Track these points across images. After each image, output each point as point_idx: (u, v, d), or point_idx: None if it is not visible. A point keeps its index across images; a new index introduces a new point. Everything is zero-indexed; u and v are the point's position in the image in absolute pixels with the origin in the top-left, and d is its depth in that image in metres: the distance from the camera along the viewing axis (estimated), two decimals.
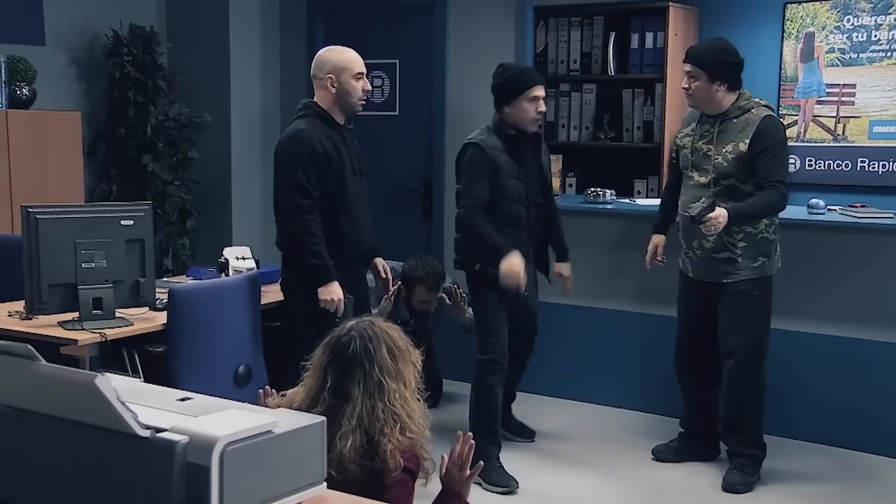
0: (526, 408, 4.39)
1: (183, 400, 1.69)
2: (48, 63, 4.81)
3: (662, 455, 4.01)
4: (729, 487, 3.71)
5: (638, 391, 4.61)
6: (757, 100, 3.76)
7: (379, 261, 3.73)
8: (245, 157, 5.51)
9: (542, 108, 3.80)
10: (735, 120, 3.66)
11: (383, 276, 3.73)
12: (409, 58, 5.27)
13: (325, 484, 1.65)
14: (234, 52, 5.37)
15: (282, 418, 1.59)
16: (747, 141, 3.61)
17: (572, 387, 4.76)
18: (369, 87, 3.54)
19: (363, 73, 3.48)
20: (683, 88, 3.75)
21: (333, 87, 3.44)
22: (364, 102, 3.52)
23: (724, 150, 3.64)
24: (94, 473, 1.54)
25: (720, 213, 3.46)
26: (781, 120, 4.23)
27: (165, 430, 1.50)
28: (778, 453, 3.99)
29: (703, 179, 3.67)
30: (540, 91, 3.76)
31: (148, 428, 1.49)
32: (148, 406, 1.61)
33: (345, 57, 3.49)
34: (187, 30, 5.41)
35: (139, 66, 5.06)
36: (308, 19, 5.50)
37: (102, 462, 1.53)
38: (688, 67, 3.70)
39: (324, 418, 1.64)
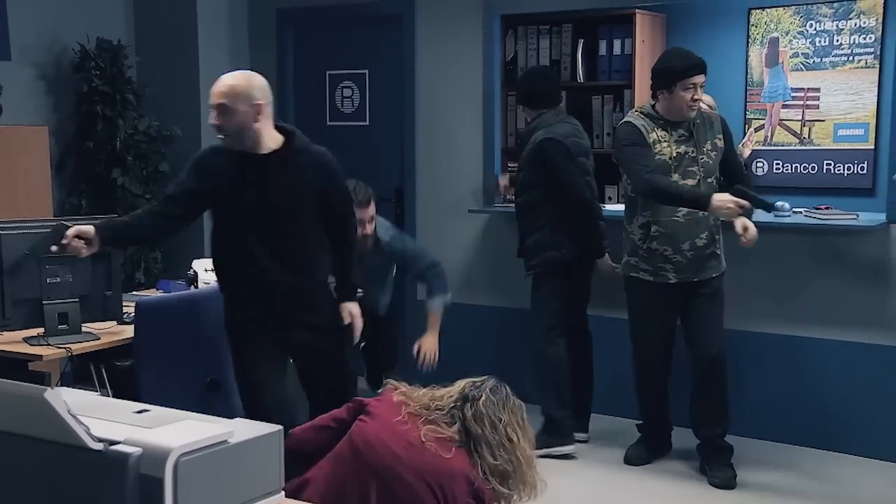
0: None
1: (140, 412, 1.69)
2: (14, 77, 4.78)
3: (636, 458, 4.04)
4: (726, 483, 3.76)
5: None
6: None
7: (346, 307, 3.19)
8: None
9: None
10: (699, 121, 3.77)
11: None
12: (379, 67, 5.28)
13: (283, 493, 1.65)
14: (203, 64, 5.36)
15: (238, 428, 1.59)
16: (721, 136, 3.79)
17: None
18: (212, 121, 3.01)
19: (211, 106, 3.04)
20: (696, 100, 3.68)
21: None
22: (219, 136, 3.03)
23: (704, 149, 3.75)
24: (48, 488, 1.53)
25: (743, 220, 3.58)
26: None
27: (119, 443, 1.50)
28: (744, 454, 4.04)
29: (690, 181, 3.71)
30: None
31: (101, 441, 1.49)
32: (103, 419, 1.61)
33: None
34: (156, 43, 5.39)
35: (107, 79, 5.04)
36: (277, 31, 5.51)
37: (56, 476, 1.52)
38: (704, 79, 3.69)
39: (280, 427, 1.64)
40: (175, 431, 1.54)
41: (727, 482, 3.77)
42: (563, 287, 4.10)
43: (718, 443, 3.87)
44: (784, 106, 4.91)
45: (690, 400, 3.90)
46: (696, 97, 3.68)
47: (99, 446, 1.48)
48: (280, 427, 1.64)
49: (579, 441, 4.18)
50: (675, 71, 3.69)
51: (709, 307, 3.81)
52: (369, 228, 4.09)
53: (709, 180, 3.74)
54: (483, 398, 2.34)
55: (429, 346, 4.11)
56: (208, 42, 5.39)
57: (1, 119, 4.54)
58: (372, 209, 4.12)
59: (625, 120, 3.86)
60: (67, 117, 5.14)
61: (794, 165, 4.86)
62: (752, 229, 3.59)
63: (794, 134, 4.87)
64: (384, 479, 2.26)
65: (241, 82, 2.95)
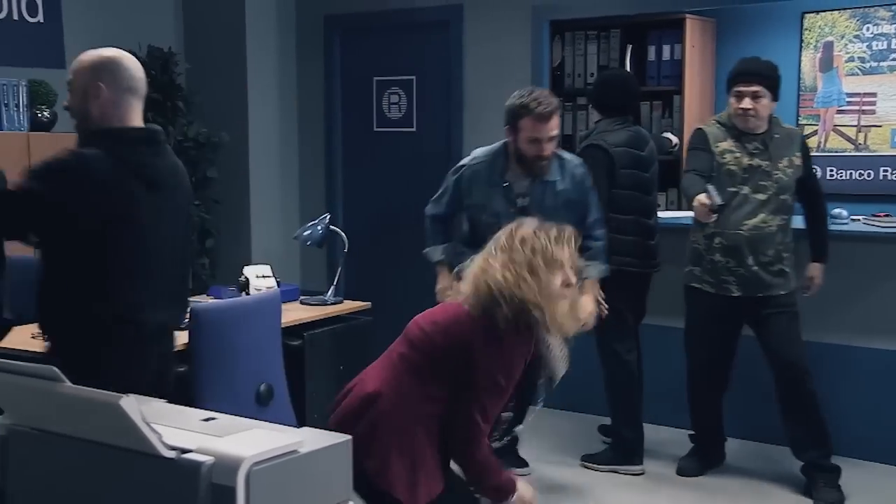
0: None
1: (207, 420, 1.68)
2: None
3: (688, 470, 3.97)
4: None
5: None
6: None
7: None
8: (263, 175, 5.53)
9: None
10: (777, 136, 3.68)
11: None
12: (427, 74, 5.28)
13: (352, 503, 1.63)
14: (251, 71, 5.40)
15: (307, 437, 1.58)
16: (799, 154, 3.69)
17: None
18: None
19: None
20: (745, 109, 3.60)
21: None
22: None
23: (779, 164, 3.65)
24: (119, 495, 1.53)
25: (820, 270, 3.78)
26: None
27: (191, 451, 1.49)
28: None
29: (760, 196, 3.62)
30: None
31: (173, 449, 1.49)
32: (172, 426, 1.61)
33: None
34: (205, 50, 5.44)
35: (158, 86, 5.09)
36: (325, 37, 5.53)
37: (127, 484, 1.52)
38: (756, 87, 3.59)
39: (350, 437, 1.62)
40: (246, 440, 1.53)
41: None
42: (616, 299, 3.75)
43: (822, 463, 3.73)
44: (838, 111, 4.82)
45: (782, 420, 3.77)
46: (742, 106, 3.59)
47: (172, 454, 1.47)
48: (349, 437, 1.63)
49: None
50: (728, 78, 3.67)
51: (782, 322, 3.70)
52: (548, 149, 3.42)
53: (782, 197, 3.65)
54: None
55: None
56: (256, 49, 5.43)
57: (56, 127, 4.61)
58: (555, 125, 3.40)
59: (698, 127, 3.85)
60: None
61: (849, 172, 4.77)
62: (817, 281, 3.79)
63: (850, 140, 4.78)
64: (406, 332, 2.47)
65: None
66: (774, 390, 3.75)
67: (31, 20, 4.77)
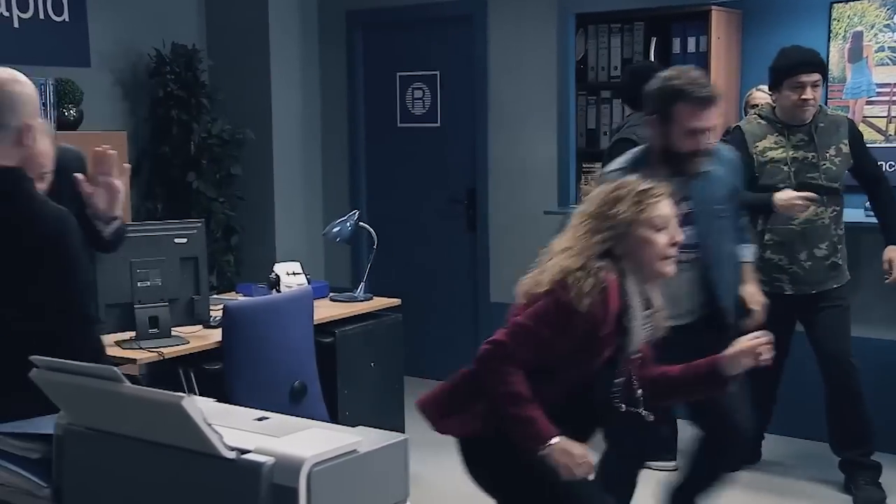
0: None
1: (260, 420, 1.68)
2: (94, 84, 4.86)
3: None
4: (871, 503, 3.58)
5: None
6: None
7: None
8: (287, 172, 5.53)
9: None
10: (822, 125, 3.61)
11: None
12: (450, 68, 5.25)
13: (409, 502, 1.62)
14: (275, 67, 5.40)
15: (365, 437, 1.57)
16: (846, 141, 3.62)
17: None
18: None
19: None
20: (806, 99, 3.51)
21: None
22: None
23: (827, 154, 3.59)
24: (180, 495, 1.52)
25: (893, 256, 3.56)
26: None
27: (250, 452, 1.49)
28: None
29: (809, 189, 3.51)
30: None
31: (233, 449, 1.48)
32: (227, 426, 1.60)
33: None
34: (228, 47, 5.44)
35: (182, 84, 5.09)
36: (347, 33, 5.51)
37: (188, 484, 1.51)
38: (816, 76, 3.53)
39: (406, 436, 1.61)
40: (305, 440, 1.53)
41: (873, 502, 3.57)
42: None
43: (863, 460, 3.67)
44: (868, 102, 4.76)
45: (826, 415, 3.73)
46: (804, 97, 3.51)
47: (232, 455, 1.47)
48: (405, 436, 1.62)
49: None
50: (779, 70, 3.55)
51: (831, 318, 3.63)
52: (707, 142, 2.85)
53: (835, 185, 3.59)
54: None
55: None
56: (279, 45, 5.42)
57: (82, 125, 4.62)
58: (716, 113, 2.87)
59: (736, 125, 3.74)
60: (143, 122, 5.21)
61: (879, 163, 4.71)
62: None
63: (880, 131, 4.72)
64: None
65: None
66: (823, 385, 3.70)
67: (56, 19, 4.77)
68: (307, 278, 3.88)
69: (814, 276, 3.61)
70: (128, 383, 1.48)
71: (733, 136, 3.70)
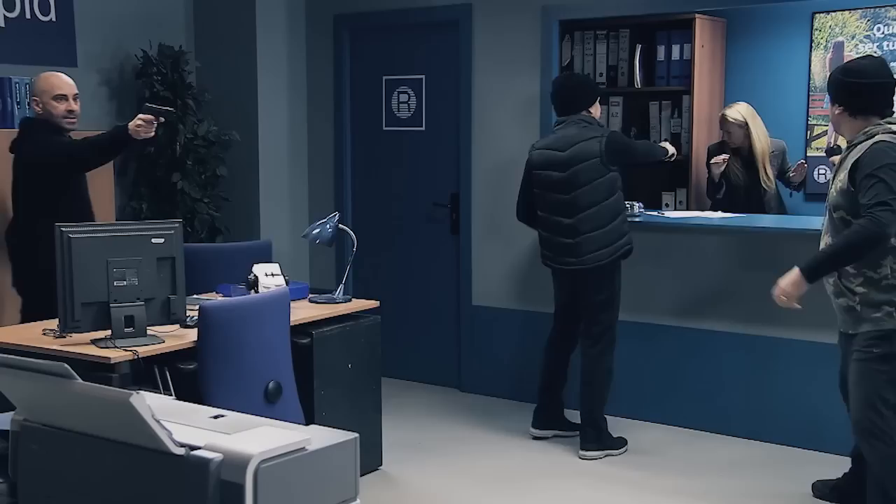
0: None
1: (216, 417, 1.70)
2: (80, 84, 4.82)
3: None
4: None
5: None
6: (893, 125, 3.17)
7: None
8: (272, 173, 5.55)
9: None
10: (852, 150, 3.18)
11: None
12: (436, 73, 5.28)
13: (358, 501, 1.65)
14: (261, 69, 5.42)
15: (315, 435, 1.60)
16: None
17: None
18: (74, 107, 4.00)
19: (65, 95, 3.98)
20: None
21: (38, 107, 3.99)
22: (69, 120, 4.00)
23: (837, 180, 3.20)
24: (131, 490, 1.55)
25: (789, 278, 3.12)
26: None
27: (199, 448, 1.51)
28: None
29: (824, 219, 3.30)
30: None
31: (182, 446, 1.50)
32: (181, 423, 1.62)
33: (49, 82, 3.99)
34: (215, 49, 5.46)
35: (168, 85, 5.12)
36: (334, 36, 5.54)
37: (137, 480, 1.54)
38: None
39: (357, 435, 1.64)
40: (254, 438, 1.55)
41: None
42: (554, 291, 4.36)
43: None
44: None
45: None
46: None
47: (181, 451, 1.49)
48: (356, 435, 1.64)
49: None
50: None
51: (852, 378, 3.25)
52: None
53: (835, 214, 3.22)
54: None
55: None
56: (266, 48, 5.45)
57: None
58: None
59: (881, 139, 3.11)
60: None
61: None
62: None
63: None
64: None
65: None
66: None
67: (43, 19, 4.80)
68: (286, 279, 3.90)
69: (838, 315, 3.28)
70: (79, 380, 1.51)
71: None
